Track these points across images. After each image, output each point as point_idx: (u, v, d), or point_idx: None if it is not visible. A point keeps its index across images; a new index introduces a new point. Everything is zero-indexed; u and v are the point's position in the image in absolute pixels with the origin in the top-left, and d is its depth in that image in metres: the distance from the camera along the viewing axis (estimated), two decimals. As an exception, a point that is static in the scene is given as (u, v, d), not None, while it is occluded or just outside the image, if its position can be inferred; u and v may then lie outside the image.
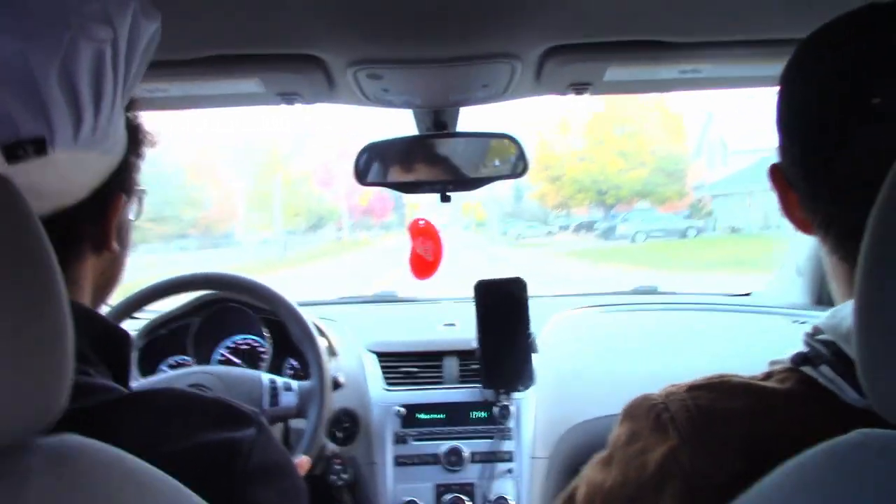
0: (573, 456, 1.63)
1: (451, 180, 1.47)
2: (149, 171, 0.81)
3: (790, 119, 0.66)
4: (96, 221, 0.70)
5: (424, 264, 1.68)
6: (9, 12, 0.57)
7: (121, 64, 0.64)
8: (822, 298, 1.93)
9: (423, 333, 1.90)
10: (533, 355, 1.66)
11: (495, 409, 1.64)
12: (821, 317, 0.64)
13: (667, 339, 1.90)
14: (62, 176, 0.62)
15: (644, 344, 1.87)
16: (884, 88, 0.58)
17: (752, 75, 1.21)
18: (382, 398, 1.71)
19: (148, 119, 0.79)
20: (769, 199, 0.71)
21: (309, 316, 1.54)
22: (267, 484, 0.65)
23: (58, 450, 0.49)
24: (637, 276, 11.01)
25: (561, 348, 1.83)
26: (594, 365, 1.79)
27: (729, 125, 23.30)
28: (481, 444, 1.64)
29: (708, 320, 2.02)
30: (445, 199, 1.47)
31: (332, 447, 1.60)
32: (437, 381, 1.76)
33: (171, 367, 1.72)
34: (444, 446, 1.63)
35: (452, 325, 1.93)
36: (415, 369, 1.78)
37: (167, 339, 1.74)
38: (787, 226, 0.70)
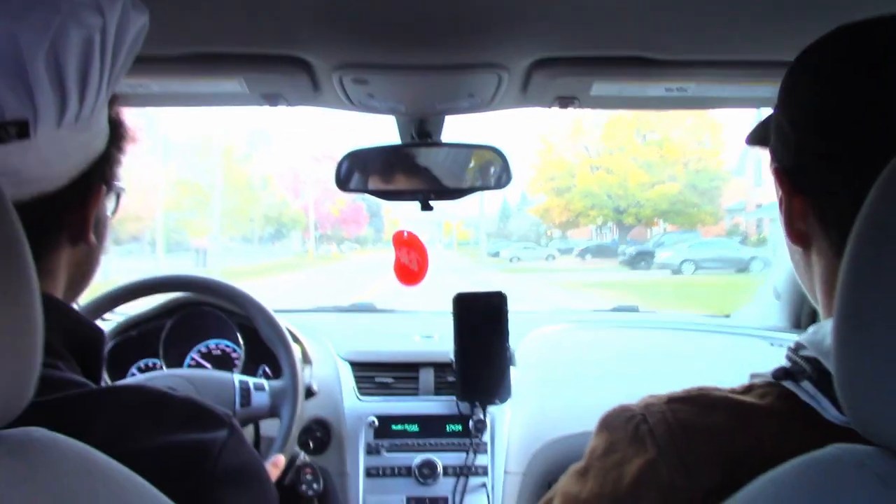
0: (548, 472, 1.63)
1: (434, 189, 1.47)
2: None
3: (834, 114, 0.63)
4: (75, 211, 0.70)
5: (410, 273, 1.68)
6: None
7: (108, 53, 0.64)
8: (800, 322, 1.96)
9: (399, 344, 1.90)
10: (511, 369, 1.66)
11: (470, 423, 1.64)
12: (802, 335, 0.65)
13: (646, 358, 1.91)
14: (43, 161, 0.62)
15: (623, 362, 1.88)
16: None
17: (738, 96, 1.23)
18: (356, 408, 1.70)
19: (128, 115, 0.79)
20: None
21: (284, 323, 1.53)
22: (236, 487, 0.64)
23: (20, 442, 0.48)
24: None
25: (539, 363, 1.84)
26: (572, 381, 1.80)
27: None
28: (455, 458, 1.63)
29: (687, 341, 2.04)
30: (427, 207, 1.47)
31: (303, 456, 1.59)
32: (413, 392, 1.75)
33: (141, 370, 1.70)
34: (417, 458, 1.63)
35: (430, 336, 1.93)
36: (390, 380, 1.77)
37: (137, 342, 1.72)
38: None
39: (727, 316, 2.25)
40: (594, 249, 26.58)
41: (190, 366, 1.73)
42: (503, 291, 1.67)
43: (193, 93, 1.24)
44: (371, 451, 1.65)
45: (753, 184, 23.18)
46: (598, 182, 24.84)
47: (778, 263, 2.05)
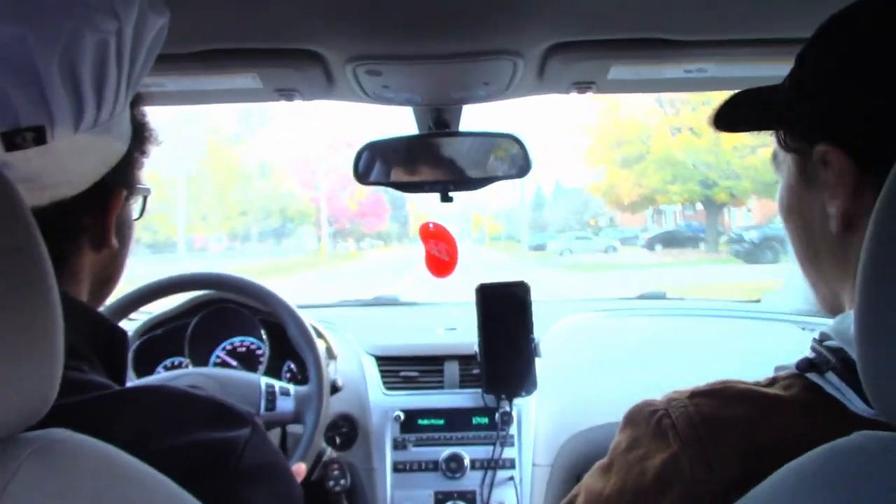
0: (576, 464, 1.62)
1: (453, 180, 1.47)
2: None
3: None
4: (96, 215, 0.71)
5: (441, 264, 1.68)
6: None
7: (125, 57, 0.65)
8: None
9: (423, 337, 1.91)
10: (536, 360, 1.66)
11: (497, 415, 1.64)
12: (829, 323, 0.64)
13: (674, 345, 1.90)
14: (62, 166, 0.63)
15: (650, 350, 1.87)
16: None
17: (759, 76, 1.20)
18: (381, 403, 1.71)
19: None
20: None
21: (307, 318, 1.55)
22: (260, 484, 0.65)
23: (45, 443, 0.49)
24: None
25: (565, 354, 1.83)
26: (598, 371, 1.79)
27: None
28: (482, 451, 1.64)
29: (716, 327, 2.02)
30: (446, 198, 1.47)
31: (329, 452, 1.61)
32: (438, 385, 1.76)
33: (167, 368, 1.73)
34: (443, 452, 1.64)
35: (454, 329, 1.93)
36: (415, 373, 1.78)
37: (163, 340, 1.75)
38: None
39: (757, 301, 2.22)
40: (665, 238, 22.99)
41: (216, 363, 1.75)
42: (525, 281, 1.66)
43: (208, 90, 1.25)
44: (398, 445, 1.66)
45: None
46: (680, 147, 18.73)
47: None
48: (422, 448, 1.66)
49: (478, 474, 1.62)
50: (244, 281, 1.57)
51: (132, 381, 1.59)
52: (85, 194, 0.67)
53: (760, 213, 22.13)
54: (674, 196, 20.58)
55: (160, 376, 1.55)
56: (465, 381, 1.76)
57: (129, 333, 1.71)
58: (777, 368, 0.66)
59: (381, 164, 1.48)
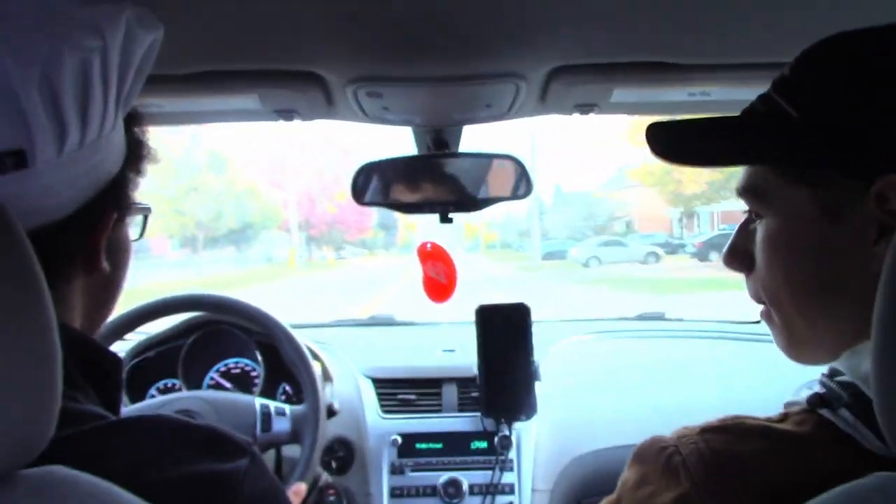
0: (576, 489, 1.61)
1: (453, 201, 1.47)
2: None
3: None
4: (85, 238, 0.69)
5: (439, 287, 1.68)
6: None
7: (112, 76, 0.64)
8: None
9: (421, 359, 1.90)
10: (536, 383, 1.65)
11: (496, 440, 1.63)
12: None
13: (674, 368, 1.89)
14: (46, 189, 0.62)
15: (650, 373, 1.86)
16: None
17: None
18: (378, 426, 1.70)
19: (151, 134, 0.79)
20: None
21: (302, 339, 1.54)
22: None
23: (42, 483, 0.48)
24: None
25: (565, 376, 1.82)
26: (599, 394, 1.78)
27: None
28: (481, 476, 1.62)
29: (716, 349, 2.02)
30: (446, 220, 1.47)
31: (325, 477, 1.59)
32: (436, 409, 1.75)
33: (160, 390, 1.72)
34: (442, 477, 1.62)
35: (452, 350, 1.92)
36: (412, 396, 1.77)
37: (156, 362, 1.74)
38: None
39: (757, 322, 2.22)
40: (718, 243, 17.77)
41: (210, 385, 1.74)
42: (525, 303, 1.66)
43: (207, 110, 1.25)
44: (395, 470, 1.64)
45: None
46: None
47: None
48: (420, 473, 1.64)
49: (476, 500, 1.60)
50: (236, 302, 1.57)
51: (124, 406, 1.58)
52: (73, 217, 0.66)
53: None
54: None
55: (153, 401, 1.54)
56: (463, 405, 1.75)
57: (122, 355, 1.70)
58: (787, 404, 0.65)
59: (379, 184, 1.48)
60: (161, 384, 1.73)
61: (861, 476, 0.50)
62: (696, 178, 19.93)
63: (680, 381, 1.81)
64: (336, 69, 1.10)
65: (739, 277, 0.74)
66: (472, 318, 1.67)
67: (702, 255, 19.86)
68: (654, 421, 0.67)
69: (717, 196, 21.16)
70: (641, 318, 2.32)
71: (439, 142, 1.44)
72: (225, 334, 1.76)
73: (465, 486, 1.61)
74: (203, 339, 1.75)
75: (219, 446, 0.65)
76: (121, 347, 1.72)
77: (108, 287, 0.77)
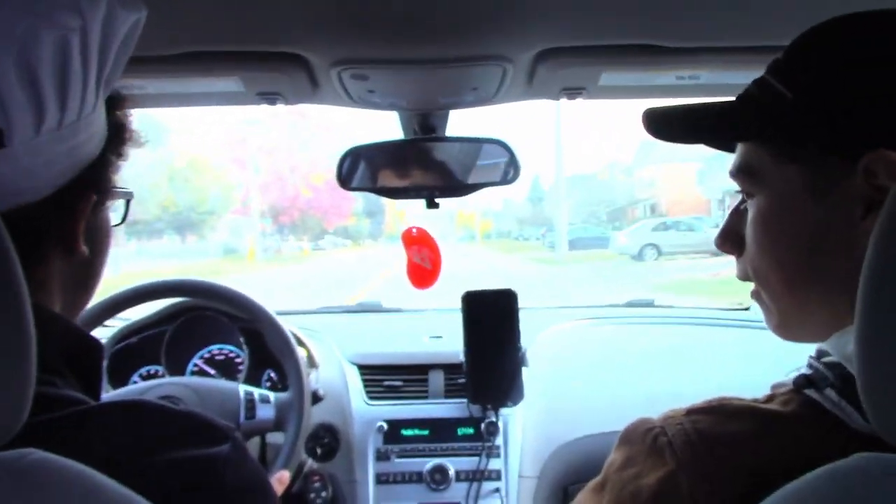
0: (563, 475, 1.63)
1: (439, 186, 1.47)
2: None
3: None
4: (62, 222, 0.69)
5: (423, 273, 1.67)
6: None
7: (92, 55, 0.63)
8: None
9: (407, 345, 1.90)
10: (523, 370, 1.66)
11: (482, 426, 1.64)
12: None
13: (662, 354, 1.91)
14: (23, 171, 0.61)
15: (638, 359, 1.88)
16: None
17: None
18: (364, 413, 1.70)
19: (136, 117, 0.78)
20: None
21: (288, 325, 1.54)
22: (242, 502, 0.64)
23: (16, 465, 0.48)
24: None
25: (552, 363, 1.84)
26: (586, 381, 1.79)
27: None
28: (467, 462, 1.63)
29: (705, 336, 2.03)
30: (433, 205, 1.47)
31: (310, 463, 1.60)
32: (422, 395, 1.76)
33: (143, 377, 1.71)
34: (428, 464, 1.63)
35: (439, 337, 1.93)
36: (399, 383, 1.78)
37: (139, 348, 1.73)
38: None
39: (746, 309, 2.24)
40: None
41: (193, 372, 1.74)
42: (512, 289, 1.66)
43: (189, 93, 1.24)
44: (381, 456, 1.65)
45: None
46: None
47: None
48: (405, 459, 1.65)
49: (463, 486, 1.62)
50: (221, 287, 1.56)
51: (106, 392, 1.57)
52: (50, 199, 0.65)
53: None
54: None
55: (136, 386, 1.54)
56: (450, 391, 1.76)
57: (104, 341, 1.70)
58: (774, 385, 0.66)
59: (365, 169, 1.48)
60: (144, 371, 1.72)
61: (845, 454, 0.51)
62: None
63: (669, 368, 1.82)
64: (320, 51, 1.10)
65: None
66: (459, 305, 1.67)
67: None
68: (643, 407, 0.67)
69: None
70: (630, 304, 2.34)
71: (426, 126, 1.44)
72: (209, 320, 1.76)
73: (452, 473, 1.62)
74: (187, 325, 1.75)
75: (200, 432, 0.65)
76: (102, 334, 1.71)
77: (88, 272, 0.76)
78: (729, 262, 0.77)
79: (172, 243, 23.61)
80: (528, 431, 1.67)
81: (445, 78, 1.19)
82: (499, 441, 1.64)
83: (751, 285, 0.75)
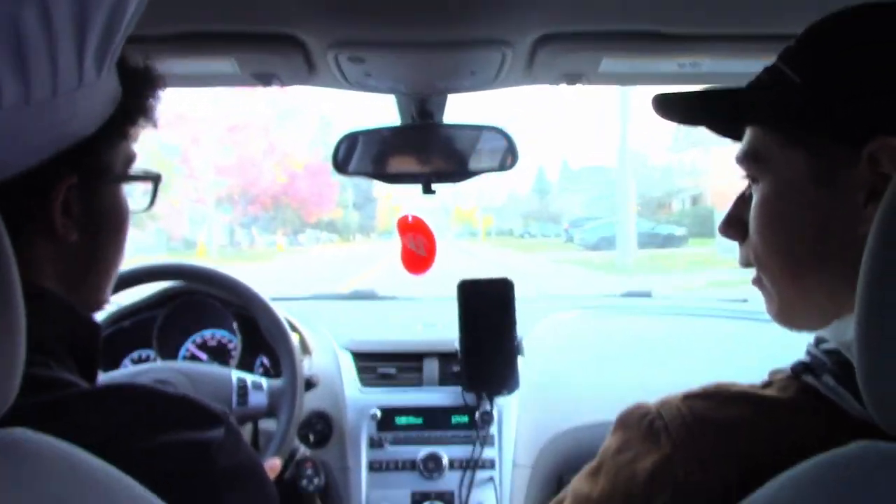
0: (558, 465, 1.64)
1: (436, 172, 1.47)
2: None
3: None
4: (35, 203, 0.67)
5: (418, 260, 1.67)
6: None
7: (63, 29, 0.58)
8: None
9: (402, 333, 1.91)
10: (519, 358, 1.66)
11: (477, 414, 1.64)
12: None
13: (659, 345, 1.91)
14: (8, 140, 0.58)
15: (635, 350, 1.88)
16: None
17: (756, 71, 1.21)
18: (358, 400, 1.71)
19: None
20: None
21: (281, 312, 1.54)
22: (235, 488, 0.65)
23: (3, 443, 0.48)
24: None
25: (548, 352, 1.84)
26: (582, 371, 1.80)
27: None
28: (461, 451, 1.64)
29: (703, 327, 2.04)
30: (429, 190, 1.47)
31: (303, 450, 1.60)
32: (417, 383, 1.76)
33: (134, 361, 1.71)
34: (421, 452, 1.64)
35: (434, 325, 1.93)
36: (393, 370, 1.78)
37: (130, 332, 1.73)
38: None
39: (744, 300, 2.24)
40: None
41: (185, 357, 1.74)
42: (508, 278, 1.66)
43: (182, 73, 1.23)
44: (374, 444, 1.66)
45: None
46: None
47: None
48: (399, 447, 1.66)
49: (456, 474, 1.62)
50: (213, 271, 1.56)
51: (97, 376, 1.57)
52: (20, 179, 0.62)
53: None
54: None
55: (127, 370, 1.54)
56: (444, 379, 1.76)
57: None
58: (772, 372, 0.66)
59: (361, 154, 1.47)
60: (135, 355, 1.72)
61: (842, 440, 0.52)
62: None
63: (666, 359, 1.83)
64: (316, 32, 1.09)
65: None
66: (454, 293, 1.67)
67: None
68: (639, 398, 0.68)
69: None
70: (628, 295, 2.34)
71: (424, 111, 1.43)
72: (202, 305, 1.76)
73: (445, 461, 1.62)
74: (179, 309, 1.75)
75: (194, 416, 0.65)
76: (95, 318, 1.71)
77: (89, 255, 0.74)
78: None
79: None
80: (522, 420, 1.67)
81: (444, 62, 1.19)
82: (493, 430, 1.65)
83: None
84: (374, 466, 1.64)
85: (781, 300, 0.72)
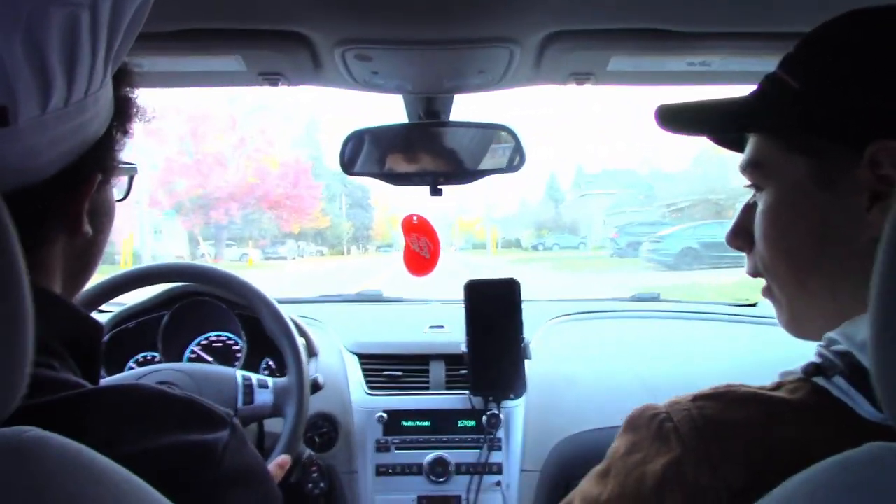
0: (565, 469, 1.63)
1: (444, 172, 1.47)
2: None
3: None
4: (67, 202, 0.69)
5: (421, 261, 1.67)
6: None
7: (102, 32, 0.62)
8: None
9: (408, 335, 1.90)
10: (526, 362, 1.65)
11: (484, 418, 1.64)
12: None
13: (667, 349, 1.91)
14: (29, 149, 0.61)
15: (643, 354, 1.88)
16: None
17: (765, 70, 1.21)
18: (364, 403, 1.71)
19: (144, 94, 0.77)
20: None
21: (287, 313, 1.54)
22: (240, 490, 0.64)
23: (10, 443, 0.48)
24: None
25: (556, 356, 1.84)
26: (590, 374, 1.79)
27: None
28: (468, 455, 1.64)
29: (711, 331, 2.03)
30: (436, 192, 1.46)
31: (309, 453, 1.60)
32: (423, 386, 1.76)
33: (139, 363, 1.71)
34: (428, 456, 1.63)
35: (441, 327, 1.93)
36: (399, 373, 1.78)
37: (135, 334, 1.73)
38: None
39: (754, 304, 2.24)
40: None
41: (190, 359, 1.74)
42: (515, 278, 1.66)
43: (188, 71, 1.24)
44: (380, 448, 1.66)
45: None
46: None
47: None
48: (405, 451, 1.66)
49: (464, 479, 1.62)
50: (218, 272, 1.56)
51: (102, 378, 1.58)
52: (55, 179, 0.65)
53: None
54: None
55: (132, 372, 1.54)
56: (451, 382, 1.76)
57: (100, 325, 1.70)
58: (783, 374, 0.66)
59: (367, 153, 1.47)
60: (140, 356, 1.72)
61: (853, 443, 0.51)
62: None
63: (674, 363, 1.82)
64: (323, 30, 1.09)
65: None
66: (461, 295, 1.67)
67: None
68: (647, 401, 0.68)
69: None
70: (636, 298, 2.33)
71: (431, 111, 1.44)
72: (206, 306, 1.76)
73: (452, 465, 1.62)
74: (183, 310, 1.75)
75: (199, 417, 0.65)
76: (99, 318, 1.71)
77: (90, 251, 0.76)
78: None
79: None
80: (530, 425, 1.67)
81: (451, 60, 1.19)
82: (501, 434, 1.64)
83: None
84: (380, 470, 1.64)
85: (791, 308, 0.73)
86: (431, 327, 1.93)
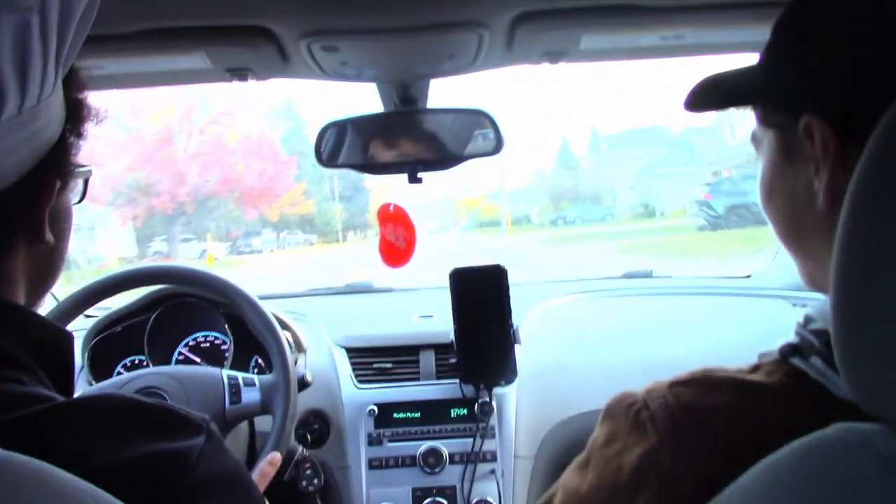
0: (559, 455, 1.63)
1: (422, 159, 1.46)
2: None
3: None
4: (26, 211, 0.68)
5: (396, 252, 1.67)
6: None
7: (52, 36, 0.61)
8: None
9: (397, 325, 1.90)
10: (515, 347, 1.65)
11: (476, 406, 1.64)
12: (820, 300, 0.64)
13: (661, 326, 1.91)
14: None
15: (636, 333, 1.88)
16: None
17: (738, 41, 1.20)
18: (354, 397, 1.71)
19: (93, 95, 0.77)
20: None
21: (272, 309, 1.53)
22: (218, 496, 0.64)
23: None
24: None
25: (546, 339, 1.83)
26: (582, 357, 1.79)
27: None
28: (461, 444, 1.64)
29: (705, 306, 2.03)
30: (415, 180, 1.46)
31: (301, 451, 1.60)
32: (413, 377, 1.76)
33: (127, 368, 1.71)
34: (421, 447, 1.64)
35: (430, 316, 1.93)
36: (388, 365, 1.78)
37: (122, 338, 1.73)
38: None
39: (747, 276, 2.23)
40: None
41: (178, 361, 1.73)
42: (501, 264, 1.65)
43: (153, 71, 1.23)
44: (372, 441, 1.66)
45: None
46: None
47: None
48: (398, 443, 1.66)
49: (457, 468, 1.62)
50: (197, 272, 1.55)
51: (90, 385, 1.58)
52: (14, 188, 0.64)
53: None
54: None
55: (115, 379, 1.53)
56: (441, 372, 1.76)
57: (86, 331, 1.69)
58: (761, 355, 0.66)
59: (344, 143, 1.46)
60: (128, 361, 1.72)
61: (828, 424, 0.51)
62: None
63: (667, 340, 1.82)
64: (287, 22, 1.08)
65: None
66: (449, 282, 1.66)
67: None
68: (641, 383, 0.67)
69: None
70: (627, 276, 2.33)
71: (406, 98, 1.42)
72: (191, 307, 1.75)
73: (446, 455, 1.62)
74: (168, 312, 1.74)
75: (173, 425, 0.64)
76: (87, 323, 1.71)
77: (52, 259, 0.76)
78: None
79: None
80: (522, 410, 1.67)
81: (420, 46, 1.18)
82: (493, 421, 1.64)
83: None
84: (373, 464, 1.64)
85: (802, 267, 0.74)
86: (421, 316, 1.93)
